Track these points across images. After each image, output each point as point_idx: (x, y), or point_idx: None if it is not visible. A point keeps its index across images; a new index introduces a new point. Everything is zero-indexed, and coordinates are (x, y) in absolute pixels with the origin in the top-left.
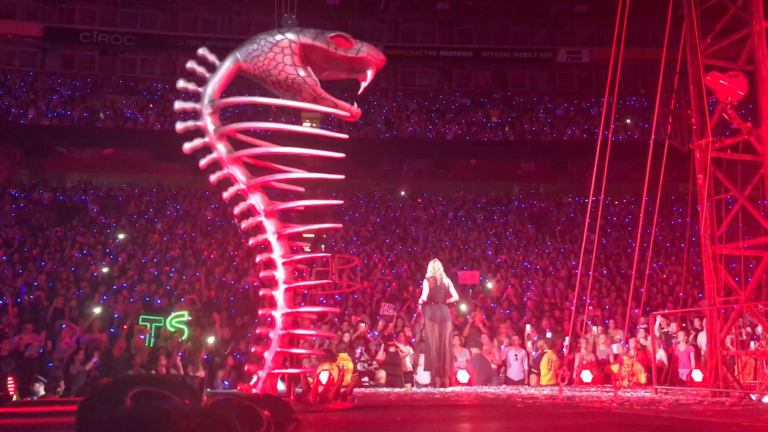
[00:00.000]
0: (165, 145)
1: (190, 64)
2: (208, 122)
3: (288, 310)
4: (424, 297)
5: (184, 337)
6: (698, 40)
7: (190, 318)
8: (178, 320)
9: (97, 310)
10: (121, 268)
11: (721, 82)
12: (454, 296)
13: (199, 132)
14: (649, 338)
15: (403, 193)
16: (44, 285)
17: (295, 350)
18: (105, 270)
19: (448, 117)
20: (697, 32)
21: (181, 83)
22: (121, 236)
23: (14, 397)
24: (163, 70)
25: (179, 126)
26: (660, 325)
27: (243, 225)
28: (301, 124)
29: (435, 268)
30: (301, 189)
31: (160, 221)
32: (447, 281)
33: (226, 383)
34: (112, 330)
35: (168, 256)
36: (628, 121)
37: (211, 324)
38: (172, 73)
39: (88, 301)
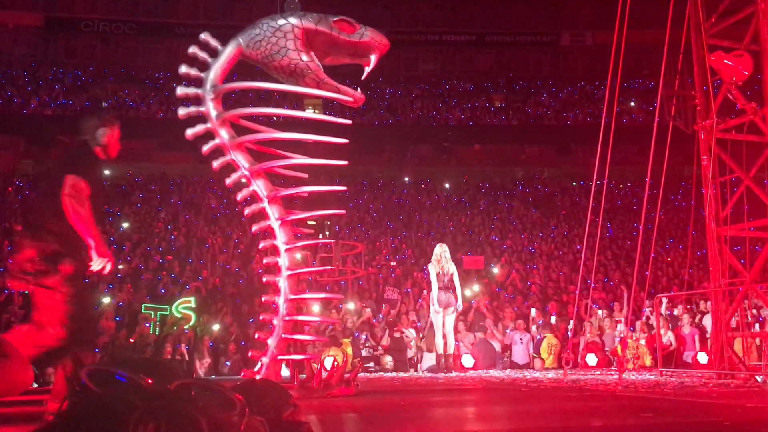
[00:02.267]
0: (168, 134)
1: (192, 50)
2: (211, 108)
3: (291, 297)
4: (434, 292)
5: (190, 324)
6: (702, 19)
7: (195, 305)
8: (184, 306)
9: (106, 300)
10: (126, 257)
11: (726, 62)
12: (459, 303)
13: (202, 118)
14: (654, 321)
15: (406, 179)
16: None
17: (298, 336)
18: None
19: (451, 102)
20: (701, 12)
21: (183, 69)
22: (125, 225)
23: None
24: (165, 59)
25: (181, 112)
26: (665, 307)
27: (246, 211)
28: (303, 110)
29: (440, 253)
30: (305, 175)
31: (164, 210)
32: (452, 268)
33: (227, 363)
34: (117, 318)
35: (173, 248)
36: (632, 104)
37: (216, 311)
38: (174, 61)
39: (93, 290)
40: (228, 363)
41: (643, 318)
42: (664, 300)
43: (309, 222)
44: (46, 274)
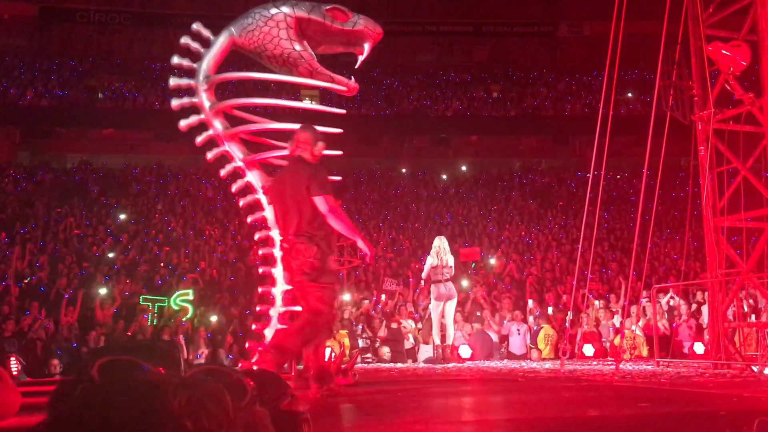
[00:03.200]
0: (164, 125)
1: (185, 40)
2: (204, 99)
3: (287, 287)
4: (424, 275)
5: (188, 316)
6: (700, 9)
7: (193, 297)
8: (182, 299)
9: (103, 291)
10: (123, 248)
11: (723, 52)
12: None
13: (195, 109)
14: (651, 311)
15: (404, 170)
16: (46, 266)
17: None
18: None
19: (449, 93)
20: (699, 2)
21: (175, 59)
22: (122, 216)
23: (18, 377)
24: (161, 49)
25: (175, 103)
26: (662, 298)
27: (241, 202)
28: (300, 101)
29: (439, 245)
30: None
31: (161, 201)
32: (451, 260)
33: (230, 357)
34: (115, 310)
35: (171, 239)
36: (630, 94)
37: (214, 303)
38: (170, 51)
39: (91, 282)
40: (230, 356)
41: (640, 308)
42: (668, 291)
43: None
44: (319, 273)
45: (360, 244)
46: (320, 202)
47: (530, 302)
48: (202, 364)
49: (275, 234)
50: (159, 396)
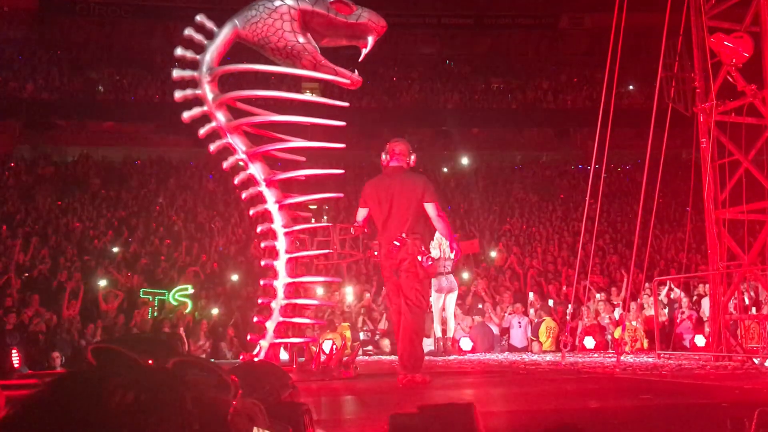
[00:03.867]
0: (165, 117)
1: (188, 32)
2: (207, 91)
3: (289, 280)
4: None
5: (187, 311)
6: (702, 1)
7: (192, 291)
8: (181, 293)
9: (103, 283)
10: (124, 241)
11: (726, 43)
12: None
13: (198, 101)
14: (652, 304)
15: None
16: (47, 259)
17: (296, 320)
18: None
19: (450, 85)
20: None
21: (178, 51)
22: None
23: (20, 369)
24: (162, 41)
25: (178, 95)
26: (663, 290)
27: (243, 195)
28: (301, 93)
29: (440, 238)
30: (302, 158)
31: (162, 194)
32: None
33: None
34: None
35: (172, 233)
36: (631, 87)
37: (215, 296)
38: (171, 44)
39: (92, 275)
40: (231, 350)
41: (641, 301)
42: (668, 282)
43: (311, 206)
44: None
45: (455, 245)
46: (431, 208)
47: (531, 295)
48: (184, 355)
49: (277, 226)
50: (95, 394)
